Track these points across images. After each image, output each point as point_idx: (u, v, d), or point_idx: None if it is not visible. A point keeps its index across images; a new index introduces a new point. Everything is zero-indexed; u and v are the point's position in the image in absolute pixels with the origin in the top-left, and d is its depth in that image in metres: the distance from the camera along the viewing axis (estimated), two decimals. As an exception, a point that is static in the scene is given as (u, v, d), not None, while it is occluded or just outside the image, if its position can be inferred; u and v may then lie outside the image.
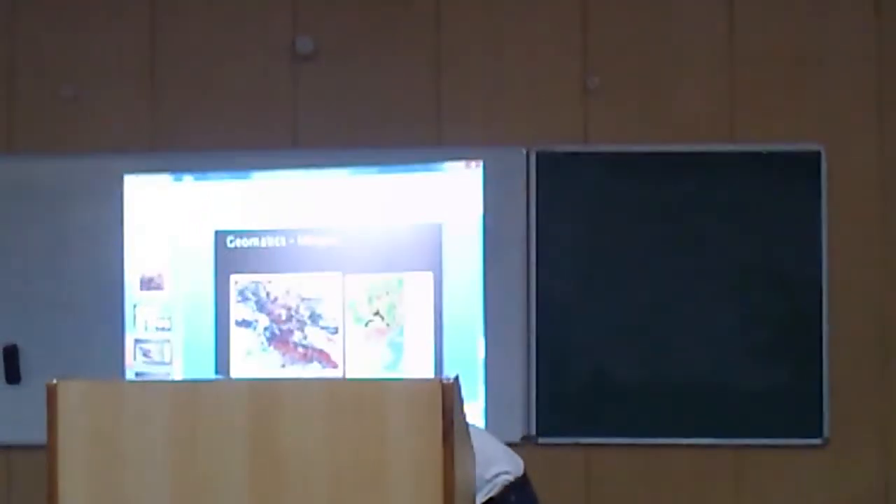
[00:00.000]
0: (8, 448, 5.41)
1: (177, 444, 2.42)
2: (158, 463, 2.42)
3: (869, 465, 5.29)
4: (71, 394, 2.46)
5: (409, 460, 2.40)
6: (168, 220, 5.41)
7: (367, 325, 5.28)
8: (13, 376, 5.39)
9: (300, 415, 2.42)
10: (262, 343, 5.33)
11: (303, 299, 5.31)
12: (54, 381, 2.46)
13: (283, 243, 5.34)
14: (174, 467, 2.42)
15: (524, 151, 5.33)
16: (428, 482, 2.40)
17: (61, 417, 2.45)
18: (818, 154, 5.29)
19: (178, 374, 5.34)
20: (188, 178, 5.42)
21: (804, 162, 5.30)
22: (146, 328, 5.39)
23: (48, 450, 2.45)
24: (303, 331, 5.30)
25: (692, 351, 5.28)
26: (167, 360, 5.37)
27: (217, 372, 5.27)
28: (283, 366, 5.30)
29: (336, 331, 5.29)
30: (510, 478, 3.40)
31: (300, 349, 5.31)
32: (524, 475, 3.50)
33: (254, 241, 5.35)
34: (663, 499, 5.32)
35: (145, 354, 5.38)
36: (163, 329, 5.38)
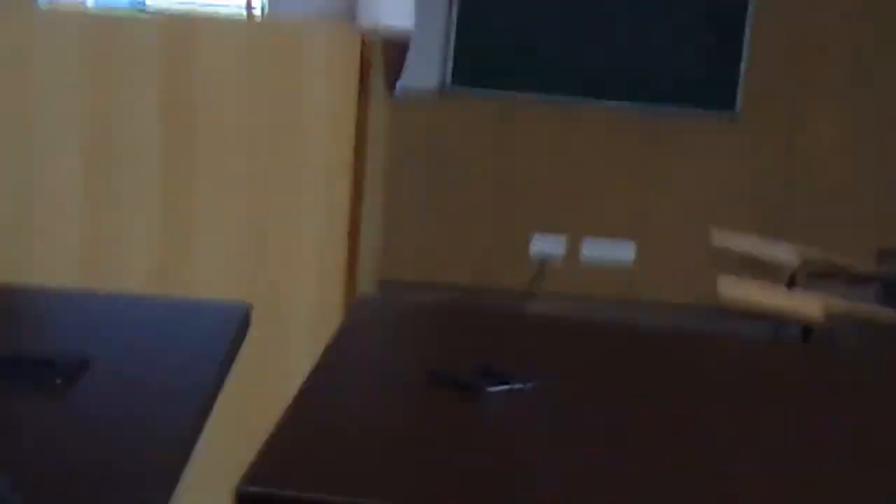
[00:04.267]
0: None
1: (90, 71, 2.37)
2: (70, 89, 2.37)
3: (778, 140, 5.38)
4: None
5: (325, 108, 2.39)
6: None
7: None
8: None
9: (216, 53, 2.38)
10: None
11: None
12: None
13: None
14: (86, 94, 2.37)
15: None
16: (342, 129, 2.40)
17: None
18: None
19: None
20: None
21: None
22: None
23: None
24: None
25: (618, 27, 5.24)
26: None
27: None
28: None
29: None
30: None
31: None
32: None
33: None
34: (574, 157, 5.39)
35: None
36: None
